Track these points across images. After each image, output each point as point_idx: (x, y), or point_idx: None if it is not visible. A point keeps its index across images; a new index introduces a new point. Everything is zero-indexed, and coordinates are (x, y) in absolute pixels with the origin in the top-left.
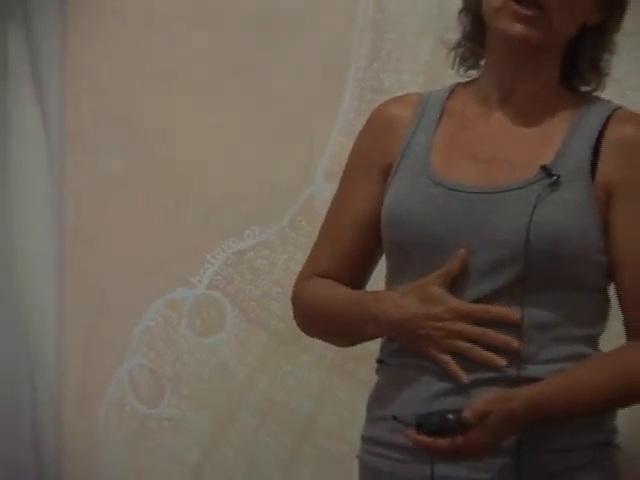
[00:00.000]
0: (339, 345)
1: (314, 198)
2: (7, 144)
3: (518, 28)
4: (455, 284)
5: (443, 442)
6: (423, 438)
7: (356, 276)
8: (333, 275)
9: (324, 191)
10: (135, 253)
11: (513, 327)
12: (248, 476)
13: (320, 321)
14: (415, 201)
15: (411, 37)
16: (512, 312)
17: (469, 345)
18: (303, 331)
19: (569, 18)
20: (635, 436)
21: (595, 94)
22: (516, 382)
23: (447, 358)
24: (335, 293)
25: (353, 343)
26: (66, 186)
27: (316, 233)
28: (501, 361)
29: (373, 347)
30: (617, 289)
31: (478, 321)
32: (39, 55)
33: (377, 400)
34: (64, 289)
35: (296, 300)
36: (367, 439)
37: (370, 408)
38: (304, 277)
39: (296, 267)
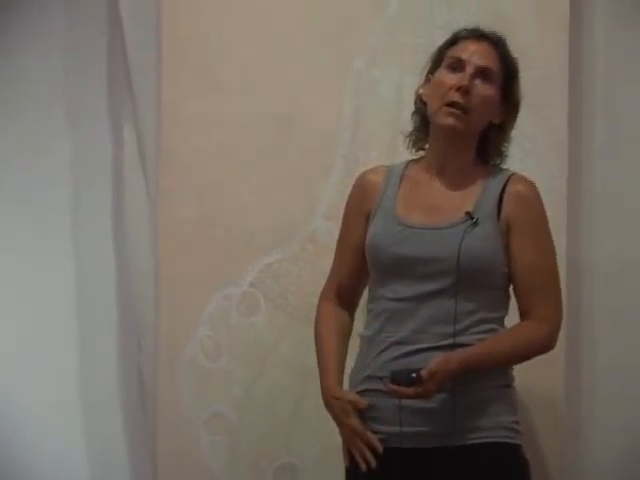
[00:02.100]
0: None
1: (316, 231)
2: (121, 181)
3: (450, 121)
4: (417, 284)
5: (409, 390)
6: (396, 387)
7: (354, 285)
8: (340, 284)
9: (322, 227)
10: (202, 263)
11: (450, 313)
12: (274, 406)
13: (315, 335)
14: (386, 235)
15: (377, 128)
16: (375, 443)
17: (355, 451)
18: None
19: (482, 117)
20: (524, 381)
21: (499, 166)
22: (453, 347)
23: (347, 451)
24: (324, 344)
25: None
26: (158, 218)
27: (317, 254)
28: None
29: (358, 328)
30: (514, 289)
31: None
32: (142, 128)
33: (363, 356)
34: (159, 285)
35: (317, 308)
36: (354, 387)
37: (357, 364)
38: (324, 294)
39: (305, 274)
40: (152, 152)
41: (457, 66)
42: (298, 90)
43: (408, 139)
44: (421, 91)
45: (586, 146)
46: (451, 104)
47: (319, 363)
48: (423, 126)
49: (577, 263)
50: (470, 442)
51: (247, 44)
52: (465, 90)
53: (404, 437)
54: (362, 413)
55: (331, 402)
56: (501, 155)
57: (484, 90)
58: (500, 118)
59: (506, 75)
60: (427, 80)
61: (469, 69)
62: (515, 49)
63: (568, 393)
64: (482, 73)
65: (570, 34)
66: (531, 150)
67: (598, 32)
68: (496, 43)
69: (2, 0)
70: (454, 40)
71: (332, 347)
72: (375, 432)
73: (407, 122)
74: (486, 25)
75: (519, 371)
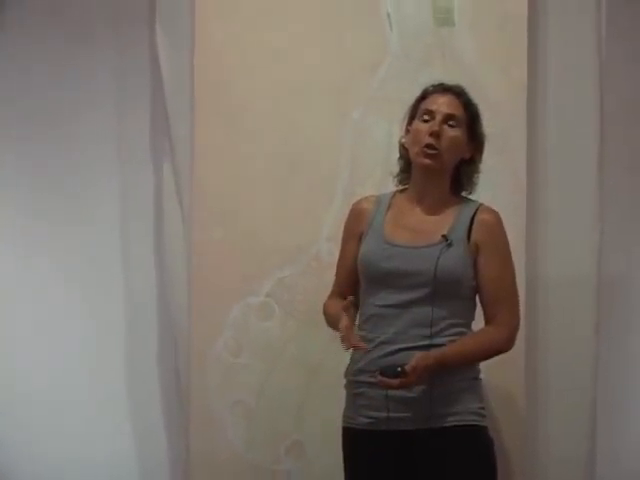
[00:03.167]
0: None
1: (319, 251)
2: (161, 208)
3: (426, 161)
4: (400, 293)
5: (395, 381)
6: (384, 379)
7: (352, 292)
8: (341, 292)
9: (325, 247)
10: (227, 277)
11: (427, 318)
12: (285, 394)
13: (327, 322)
14: (375, 252)
15: (371, 166)
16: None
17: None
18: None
19: (453, 155)
20: (492, 377)
21: (469, 196)
22: (429, 347)
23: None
24: (331, 310)
25: None
26: (191, 240)
27: (321, 269)
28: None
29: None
30: (480, 299)
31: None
32: (178, 165)
33: (356, 354)
34: (192, 295)
35: (323, 309)
36: (349, 380)
37: (352, 360)
38: (329, 296)
39: (311, 286)
40: (186, 185)
41: (429, 116)
42: (306, 135)
43: (396, 179)
44: (403, 141)
45: (541, 182)
46: (426, 146)
47: (332, 319)
48: (406, 167)
49: (534, 278)
50: (445, 424)
51: (265, 97)
52: (436, 134)
53: (391, 421)
54: (352, 402)
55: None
56: (472, 185)
57: (452, 132)
58: (470, 154)
59: (470, 118)
60: (407, 131)
61: (438, 117)
62: (485, 104)
63: (527, 386)
64: (449, 119)
65: (528, 92)
66: (497, 185)
67: (550, 90)
68: (458, 94)
69: (60, 68)
70: (424, 95)
71: (339, 308)
72: (366, 417)
73: (395, 161)
74: (461, 82)
75: (488, 369)
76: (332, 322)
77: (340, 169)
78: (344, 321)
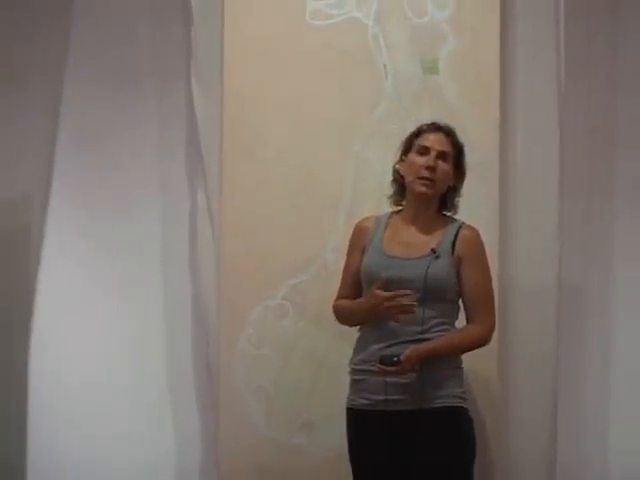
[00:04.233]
0: (350, 326)
1: (326, 261)
2: (195, 229)
3: (422, 188)
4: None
5: (391, 369)
6: (383, 367)
7: (356, 294)
8: (347, 295)
9: (331, 258)
10: (249, 283)
11: (419, 317)
12: (298, 382)
13: (341, 317)
14: (376, 263)
15: (369, 191)
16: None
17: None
18: (337, 320)
19: (443, 184)
20: (471, 367)
21: (454, 216)
22: (421, 341)
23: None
24: (346, 305)
25: (354, 325)
26: (220, 253)
27: (328, 276)
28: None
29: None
30: (462, 302)
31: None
32: (209, 192)
33: (359, 346)
34: (221, 300)
35: (333, 309)
36: (352, 369)
37: (355, 352)
38: (336, 299)
39: (320, 291)
40: (216, 207)
41: (424, 151)
42: (316, 165)
43: (390, 199)
44: (398, 167)
45: (511, 204)
46: (423, 178)
47: (350, 311)
48: (399, 190)
49: (506, 284)
50: (434, 405)
51: (281, 134)
52: (432, 168)
53: (388, 402)
54: (355, 387)
55: (372, 301)
56: (455, 207)
57: (444, 167)
58: (454, 182)
59: (456, 154)
60: (401, 160)
61: (433, 153)
62: (464, 138)
63: (500, 375)
64: (442, 155)
65: (500, 129)
66: (475, 206)
67: (519, 127)
68: (448, 133)
69: (111, 112)
70: (419, 132)
71: (353, 302)
72: (366, 399)
73: (390, 187)
74: (445, 121)
75: (469, 359)
76: (348, 315)
77: (343, 193)
78: (385, 293)
